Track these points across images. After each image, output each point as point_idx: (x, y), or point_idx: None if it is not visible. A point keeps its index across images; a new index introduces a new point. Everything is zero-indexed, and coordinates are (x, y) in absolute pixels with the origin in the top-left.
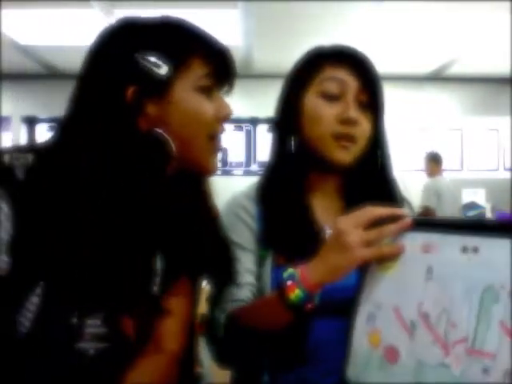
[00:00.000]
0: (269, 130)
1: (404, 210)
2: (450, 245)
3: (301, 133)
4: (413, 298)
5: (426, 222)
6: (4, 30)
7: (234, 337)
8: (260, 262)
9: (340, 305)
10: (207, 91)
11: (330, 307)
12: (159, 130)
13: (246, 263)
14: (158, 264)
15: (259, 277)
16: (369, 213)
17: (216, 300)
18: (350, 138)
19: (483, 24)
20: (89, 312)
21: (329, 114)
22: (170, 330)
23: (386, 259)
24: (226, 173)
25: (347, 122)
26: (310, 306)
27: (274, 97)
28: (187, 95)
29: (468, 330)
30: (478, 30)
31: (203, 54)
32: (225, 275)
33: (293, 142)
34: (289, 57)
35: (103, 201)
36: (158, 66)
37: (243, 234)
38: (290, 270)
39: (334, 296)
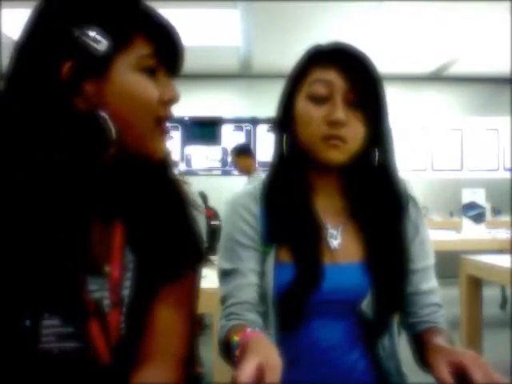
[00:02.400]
0: (269, 130)
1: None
2: None
3: (294, 134)
4: None
5: None
6: (4, 30)
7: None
8: (263, 259)
9: (342, 306)
10: (151, 72)
11: (333, 308)
12: (101, 113)
13: (250, 263)
14: (129, 257)
15: (262, 274)
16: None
17: (223, 301)
18: (340, 138)
19: (483, 24)
20: (41, 313)
21: (316, 116)
22: (173, 331)
23: None
24: (226, 173)
25: (334, 123)
26: None
27: (273, 97)
28: (129, 75)
29: None
30: (478, 30)
31: (147, 32)
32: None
33: (287, 143)
34: (288, 57)
35: (32, 188)
36: (97, 42)
37: (246, 233)
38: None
39: (336, 297)
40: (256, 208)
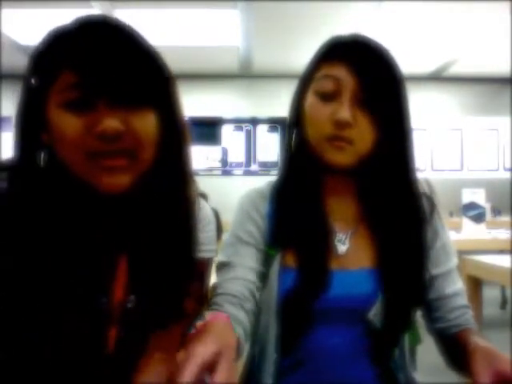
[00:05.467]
0: (269, 130)
1: None
2: None
3: (302, 132)
4: None
5: None
6: (4, 30)
7: None
8: (268, 262)
9: (349, 313)
10: (79, 105)
11: (340, 315)
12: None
13: (247, 259)
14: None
15: (266, 277)
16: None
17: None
18: (345, 140)
19: (483, 24)
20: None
21: (322, 114)
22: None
23: None
24: (226, 173)
25: (339, 124)
26: None
27: (274, 97)
28: (54, 113)
29: None
30: (478, 30)
31: (72, 63)
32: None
33: (295, 142)
34: (288, 57)
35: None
36: (33, 87)
37: (250, 231)
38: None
39: (343, 305)
40: (264, 207)
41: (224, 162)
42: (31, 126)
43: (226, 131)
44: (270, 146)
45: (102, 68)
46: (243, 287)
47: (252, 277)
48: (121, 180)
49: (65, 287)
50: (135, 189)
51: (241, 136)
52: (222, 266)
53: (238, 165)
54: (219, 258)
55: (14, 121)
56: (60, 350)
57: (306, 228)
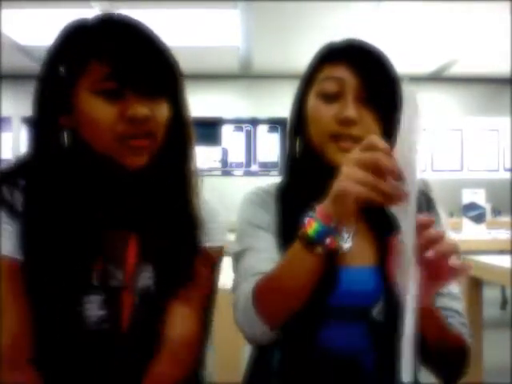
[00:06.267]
0: (269, 131)
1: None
2: None
3: (305, 135)
4: None
5: None
6: (4, 30)
7: (263, 301)
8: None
9: (353, 311)
10: (111, 94)
11: (347, 313)
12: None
13: (266, 243)
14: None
15: None
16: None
17: (236, 284)
18: (351, 138)
19: (483, 24)
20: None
21: (326, 114)
22: (184, 333)
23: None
24: (226, 173)
25: (345, 122)
26: (329, 241)
27: (274, 97)
28: (86, 100)
29: None
30: (478, 30)
31: (100, 56)
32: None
33: (299, 145)
34: (288, 57)
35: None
36: (61, 75)
37: (265, 219)
38: (311, 212)
39: (350, 302)
40: (272, 203)
41: (224, 162)
42: (52, 110)
43: (226, 131)
44: (270, 146)
45: (133, 62)
46: (273, 265)
47: (276, 256)
48: (142, 159)
49: (81, 260)
50: (147, 168)
51: (241, 136)
52: (241, 254)
53: (238, 165)
54: (236, 247)
55: (33, 105)
56: (76, 324)
57: None
